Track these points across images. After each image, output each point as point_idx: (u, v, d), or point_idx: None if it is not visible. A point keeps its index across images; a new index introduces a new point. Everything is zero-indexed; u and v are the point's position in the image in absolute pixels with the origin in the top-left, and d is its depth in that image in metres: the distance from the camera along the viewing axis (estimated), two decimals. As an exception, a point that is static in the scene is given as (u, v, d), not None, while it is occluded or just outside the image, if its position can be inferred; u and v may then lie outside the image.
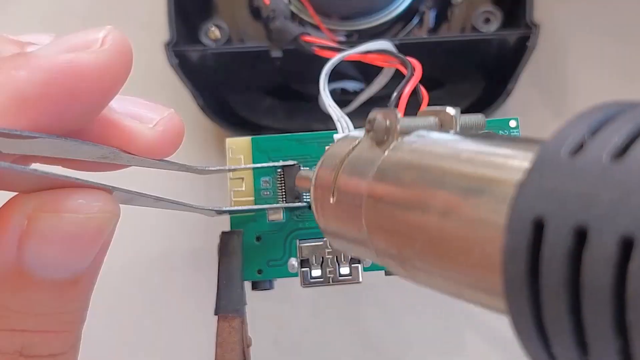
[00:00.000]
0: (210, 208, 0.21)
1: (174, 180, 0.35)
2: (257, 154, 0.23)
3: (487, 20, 0.35)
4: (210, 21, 0.35)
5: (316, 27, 0.33)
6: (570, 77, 0.37)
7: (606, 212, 0.08)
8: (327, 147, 0.18)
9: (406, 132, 0.14)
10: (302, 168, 0.23)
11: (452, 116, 0.14)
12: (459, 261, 0.11)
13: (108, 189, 0.15)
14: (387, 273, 0.23)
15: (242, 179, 0.23)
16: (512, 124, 0.24)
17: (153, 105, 0.18)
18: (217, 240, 0.23)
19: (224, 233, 0.23)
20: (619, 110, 0.09)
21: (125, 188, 0.16)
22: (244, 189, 0.23)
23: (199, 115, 0.34)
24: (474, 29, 0.35)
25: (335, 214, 0.16)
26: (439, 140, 0.14)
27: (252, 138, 0.24)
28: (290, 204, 0.23)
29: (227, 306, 0.22)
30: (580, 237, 0.08)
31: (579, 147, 0.09)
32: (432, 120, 0.15)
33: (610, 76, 0.37)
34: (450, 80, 0.36)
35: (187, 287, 0.35)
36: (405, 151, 0.14)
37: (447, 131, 0.14)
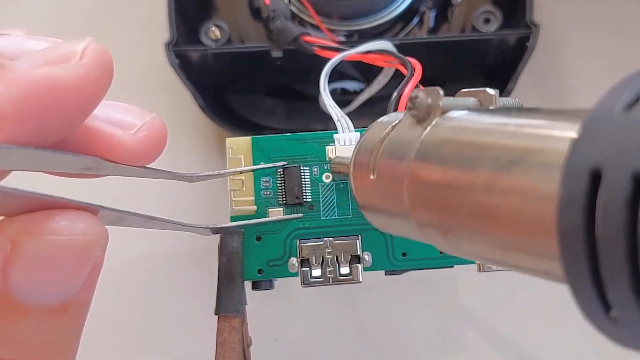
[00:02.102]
0: (205, 226, 0.21)
1: (172, 185, 0.35)
2: (257, 153, 0.24)
3: (487, 20, 0.35)
4: (210, 21, 0.35)
5: (316, 27, 0.33)
6: (570, 77, 0.38)
7: None
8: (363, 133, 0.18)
9: (447, 110, 0.14)
10: (302, 168, 0.23)
11: (492, 96, 0.15)
12: (507, 225, 0.11)
13: (94, 209, 0.15)
14: (387, 273, 0.23)
15: (242, 179, 0.23)
16: (512, 124, 0.24)
17: (135, 109, 0.17)
18: (217, 240, 0.23)
19: (224, 233, 0.23)
20: None
21: (113, 207, 0.15)
22: (244, 189, 0.23)
23: (199, 115, 0.34)
24: (474, 29, 0.35)
25: (375, 189, 0.16)
26: (481, 116, 0.14)
27: (252, 138, 0.24)
28: (289, 216, 0.23)
29: (228, 306, 0.22)
30: (639, 185, 0.09)
31: (634, 103, 0.09)
32: (472, 100, 0.15)
33: (609, 76, 0.37)
34: (450, 80, 0.36)
35: (187, 286, 0.35)
36: (448, 127, 0.14)
37: (486, 109, 0.15)
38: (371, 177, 0.16)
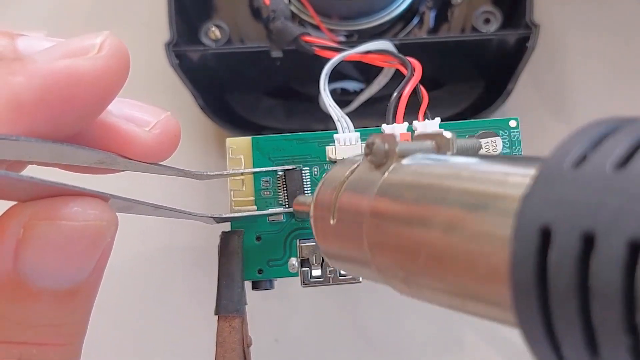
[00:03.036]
0: (209, 215, 0.21)
1: (173, 181, 0.35)
2: (257, 153, 0.24)
3: (487, 21, 0.35)
4: (210, 21, 0.35)
5: (316, 27, 0.33)
6: (570, 77, 0.38)
7: (613, 217, 0.09)
8: (324, 175, 0.18)
9: (404, 155, 0.15)
10: (302, 169, 0.23)
11: (448, 139, 0.15)
12: (464, 274, 0.11)
13: (105, 197, 0.15)
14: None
15: (242, 179, 0.23)
16: (512, 124, 0.24)
17: (149, 107, 0.18)
18: (217, 240, 0.23)
19: (224, 233, 0.23)
20: (619, 124, 0.10)
21: (122, 196, 0.16)
22: (244, 189, 0.23)
23: (200, 115, 0.34)
24: (474, 29, 0.35)
25: (335, 235, 0.16)
26: (438, 161, 0.14)
27: (252, 138, 0.24)
28: (291, 209, 0.23)
29: (228, 306, 0.22)
30: (588, 242, 0.09)
31: (582, 159, 0.10)
32: (429, 144, 0.15)
33: (609, 76, 0.37)
34: (450, 81, 0.36)
35: (187, 286, 0.35)
36: (404, 172, 0.14)
37: (443, 153, 0.15)
38: (331, 221, 0.16)
